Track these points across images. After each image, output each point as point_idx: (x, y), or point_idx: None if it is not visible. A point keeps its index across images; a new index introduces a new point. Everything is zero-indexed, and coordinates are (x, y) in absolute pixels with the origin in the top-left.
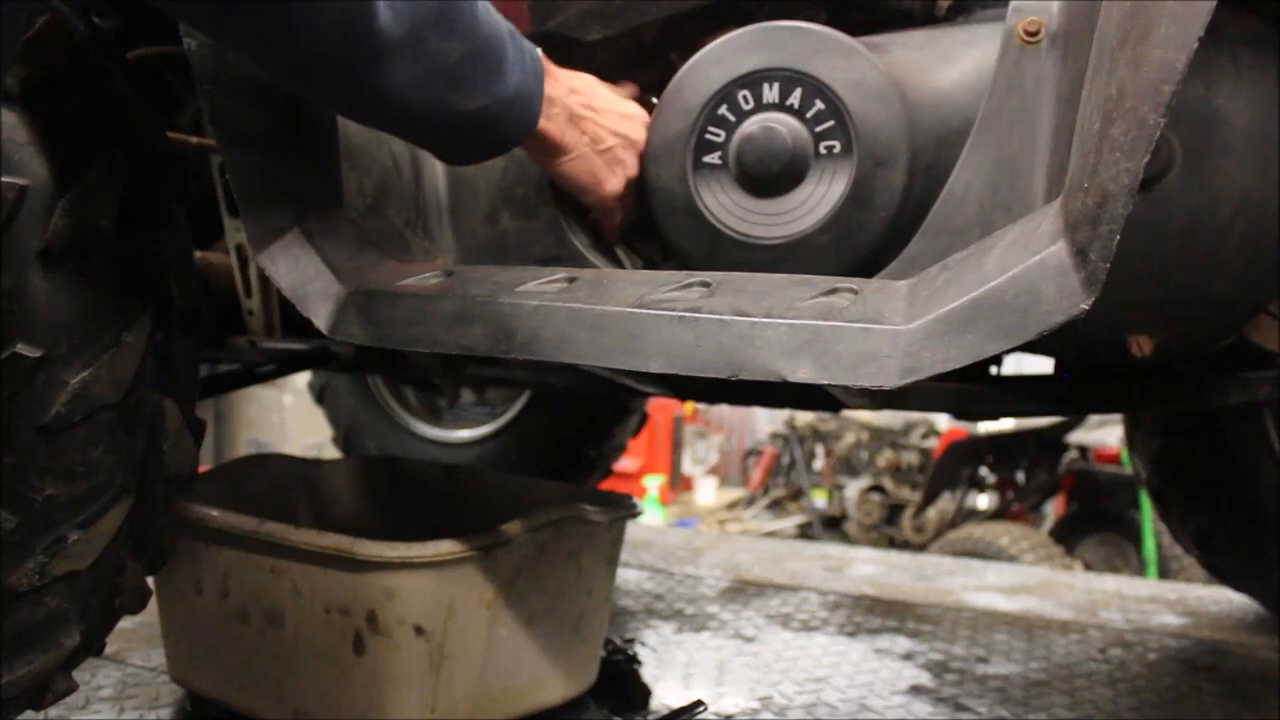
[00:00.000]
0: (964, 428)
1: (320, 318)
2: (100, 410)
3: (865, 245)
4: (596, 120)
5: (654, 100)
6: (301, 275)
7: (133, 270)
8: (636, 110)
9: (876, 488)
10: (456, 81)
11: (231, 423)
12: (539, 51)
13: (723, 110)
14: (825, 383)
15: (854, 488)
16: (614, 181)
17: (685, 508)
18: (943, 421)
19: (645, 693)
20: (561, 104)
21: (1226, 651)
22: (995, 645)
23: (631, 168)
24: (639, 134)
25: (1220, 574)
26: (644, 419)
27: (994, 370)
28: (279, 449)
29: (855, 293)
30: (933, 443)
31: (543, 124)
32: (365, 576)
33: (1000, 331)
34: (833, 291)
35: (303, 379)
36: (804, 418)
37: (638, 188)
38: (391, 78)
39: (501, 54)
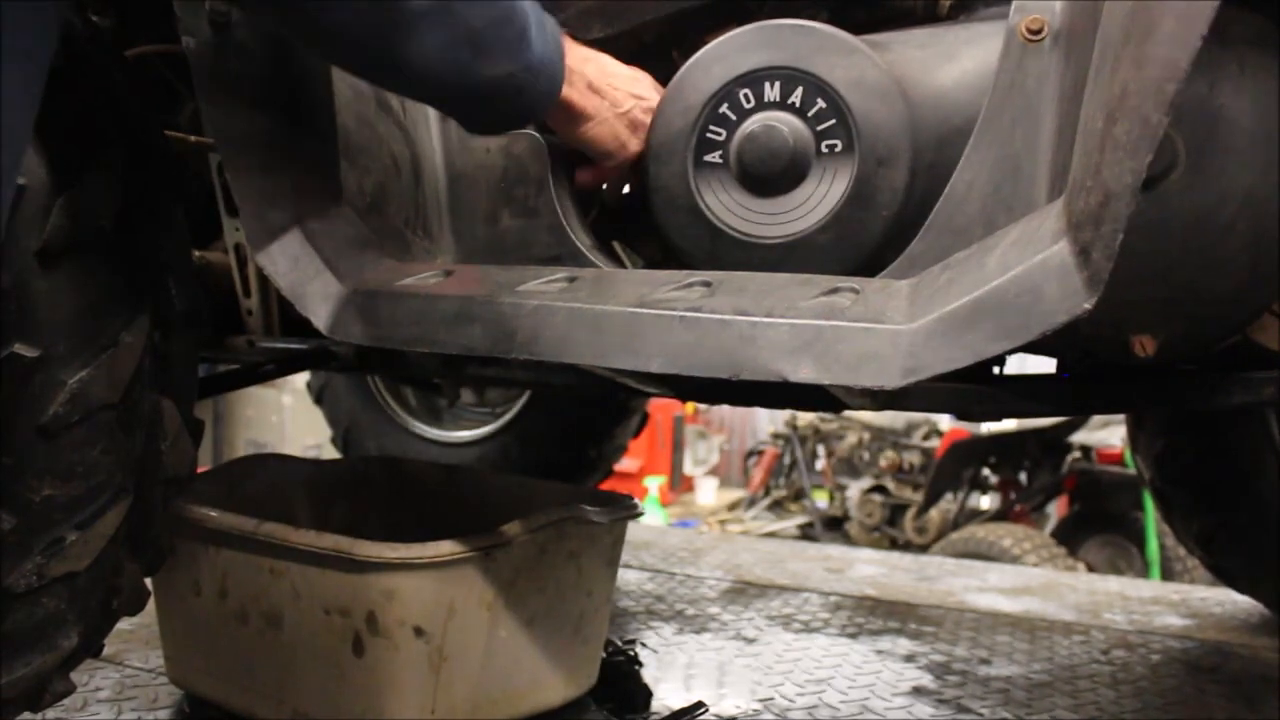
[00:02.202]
0: (966, 428)
1: (319, 317)
2: (98, 410)
3: (867, 244)
4: (613, 85)
5: None
6: (301, 275)
7: (132, 270)
8: (641, 73)
9: (878, 488)
10: (481, 48)
11: (231, 423)
12: (555, 22)
13: (724, 109)
14: (826, 383)
15: (855, 488)
16: (635, 142)
17: (686, 508)
18: (945, 422)
19: (646, 694)
20: (580, 72)
21: (1230, 653)
22: (998, 646)
23: (649, 127)
24: (651, 93)
25: (1223, 575)
26: (644, 419)
27: (996, 370)
28: (278, 449)
29: (857, 292)
30: (935, 443)
31: (566, 91)
32: (365, 577)
33: (1002, 331)
34: (834, 291)
35: (302, 379)
36: (805, 418)
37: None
38: (419, 46)
39: (525, 22)
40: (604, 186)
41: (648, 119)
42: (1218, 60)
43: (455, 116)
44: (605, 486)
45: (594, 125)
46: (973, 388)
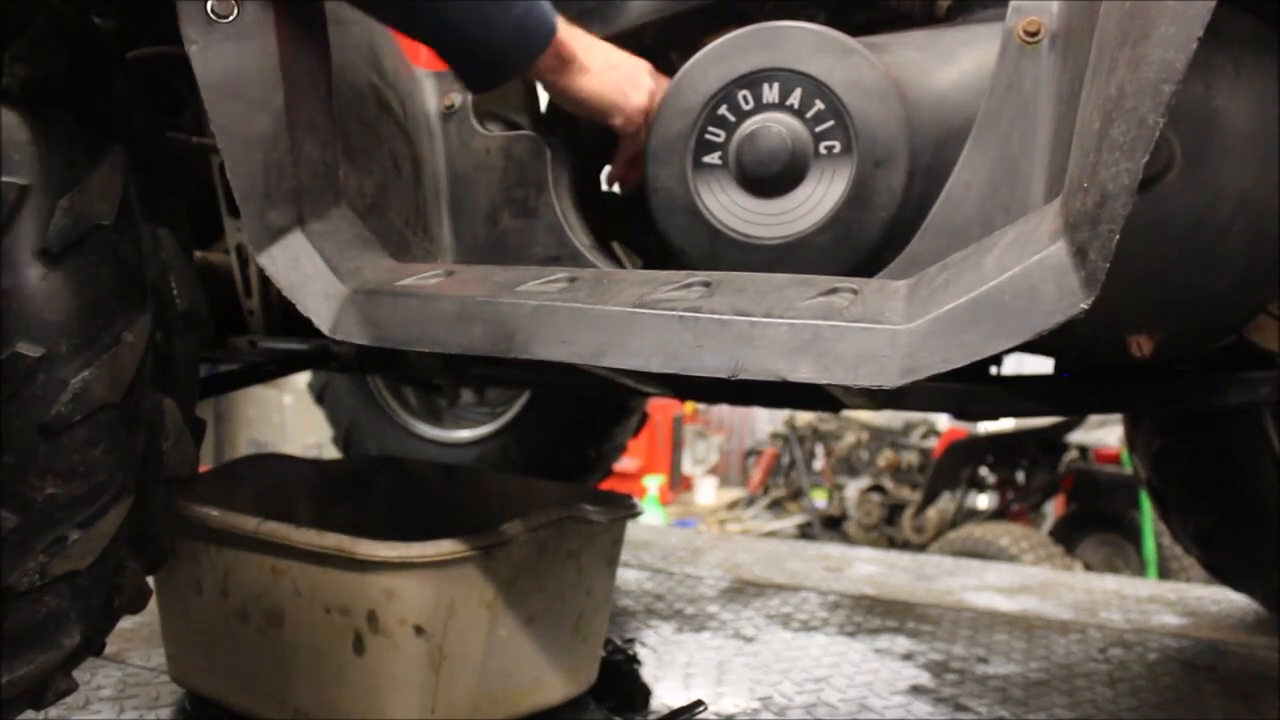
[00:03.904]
0: (964, 427)
1: (320, 318)
2: (100, 410)
3: (865, 245)
4: (600, 46)
5: None
6: (301, 275)
7: (133, 270)
8: (626, 53)
9: (876, 488)
10: None
11: (231, 423)
12: None
13: (723, 110)
14: (825, 383)
15: (854, 488)
16: (638, 95)
17: (685, 508)
18: (943, 421)
19: (645, 693)
20: (568, 29)
21: (1226, 651)
22: (995, 645)
23: (648, 84)
24: (640, 60)
25: (1220, 574)
26: (644, 419)
27: (994, 370)
28: (279, 449)
29: (855, 293)
30: (933, 443)
31: (561, 33)
32: (365, 576)
33: (1000, 331)
34: (832, 291)
35: (303, 379)
36: (804, 418)
37: (640, 182)
38: None
39: None
40: (610, 172)
41: (644, 77)
42: (1214, 61)
43: (459, 64)
44: (605, 486)
45: (592, 78)
46: (970, 387)
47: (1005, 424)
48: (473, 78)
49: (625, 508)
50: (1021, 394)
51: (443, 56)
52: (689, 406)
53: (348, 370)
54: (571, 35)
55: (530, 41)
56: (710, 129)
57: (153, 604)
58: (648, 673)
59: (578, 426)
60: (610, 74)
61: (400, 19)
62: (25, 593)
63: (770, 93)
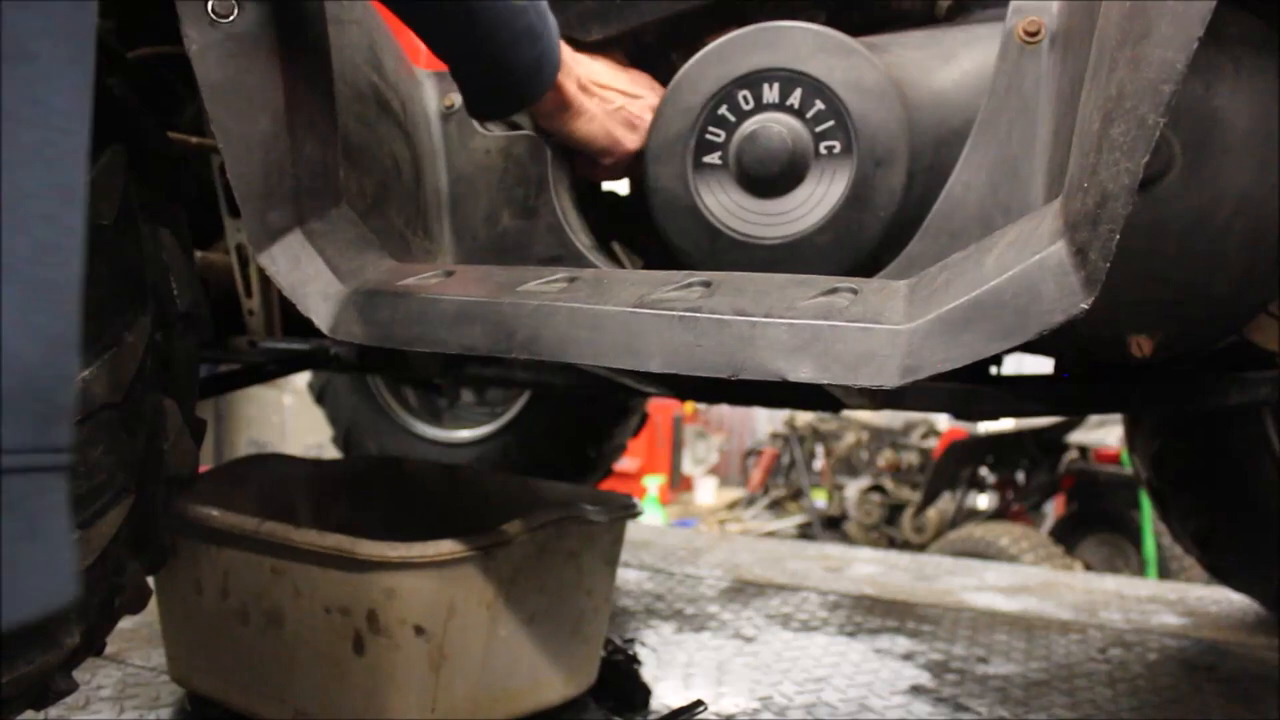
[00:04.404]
0: (964, 428)
1: (320, 317)
2: (100, 410)
3: (865, 245)
4: (601, 84)
5: None
6: (302, 275)
7: (134, 271)
8: (637, 73)
9: (876, 488)
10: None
11: (231, 423)
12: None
13: (723, 110)
14: (825, 383)
15: (854, 488)
16: (632, 139)
17: (685, 508)
18: (943, 421)
19: (645, 693)
20: (570, 66)
21: (1226, 652)
22: (995, 645)
23: (647, 124)
24: (648, 91)
25: (1220, 574)
26: (644, 419)
27: (994, 370)
28: (279, 448)
29: (855, 292)
30: (933, 443)
31: (561, 77)
32: (365, 576)
33: (1000, 331)
34: (832, 291)
35: (303, 379)
36: (804, 418)
37: (640, 184)
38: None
39: None
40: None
41: (646, 116)
42: (1214, 61)
43: (475, 89)
44: (604, 486)
45: (585, 121)
46: (970, 387)
47: (1005, 424)
48: (481, 104)
49: (625, 508)
50: (1021, 394)
51: (461, 76)
52: (689, 406)
53: (348, 370)
54: (573, 78)
55: (539, 81)
56: (710, 129)
57: (153, 604)
58: (648, 673)
59: (578, 426)
60: (605, 120)
61: (433, 32)
62: None
63: (770, 93)
